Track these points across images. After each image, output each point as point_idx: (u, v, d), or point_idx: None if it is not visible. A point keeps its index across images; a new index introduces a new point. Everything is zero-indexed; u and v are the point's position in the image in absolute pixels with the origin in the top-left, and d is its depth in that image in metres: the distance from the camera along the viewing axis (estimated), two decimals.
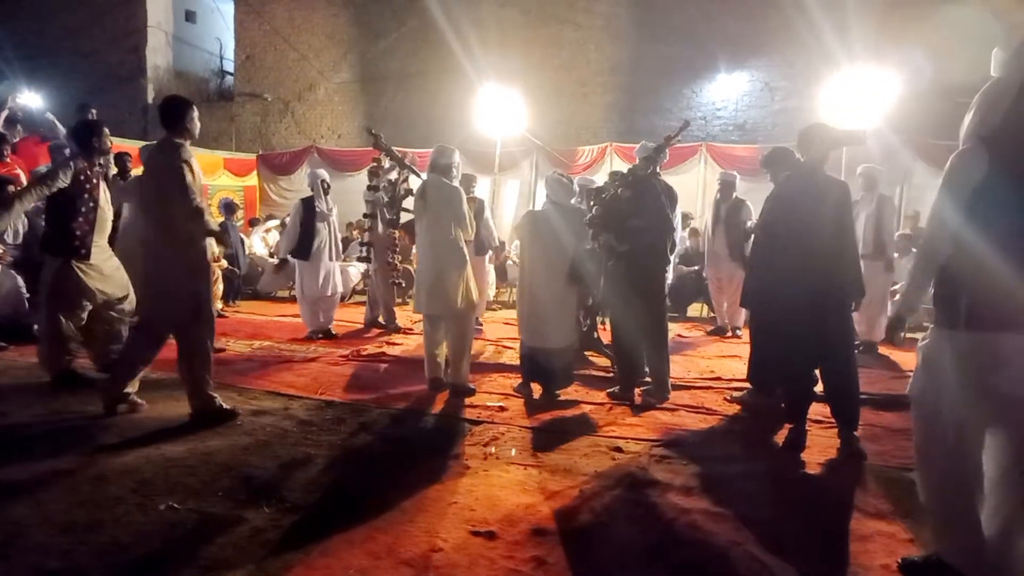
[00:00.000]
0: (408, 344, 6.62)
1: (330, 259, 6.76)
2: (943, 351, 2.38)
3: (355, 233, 10.74)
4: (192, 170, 3.87)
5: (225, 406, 4.14)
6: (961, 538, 2.35)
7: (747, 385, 4.87)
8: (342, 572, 2.38)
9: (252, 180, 12.46)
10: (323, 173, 6.92)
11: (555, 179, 4.95)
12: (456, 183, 4.96)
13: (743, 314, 7.52)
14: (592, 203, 5.03)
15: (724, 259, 7.28)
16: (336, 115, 14.67)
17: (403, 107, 13.63)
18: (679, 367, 5.25)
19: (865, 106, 7.38)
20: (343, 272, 10.00)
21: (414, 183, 6.28)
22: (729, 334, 7.57)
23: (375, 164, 6.74)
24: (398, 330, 7.20)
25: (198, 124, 4.06)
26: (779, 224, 4.48)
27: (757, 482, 3.34)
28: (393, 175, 6.79)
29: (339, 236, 7.02)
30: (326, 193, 6.70)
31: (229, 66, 16.77)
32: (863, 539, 2.75)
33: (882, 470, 3.51)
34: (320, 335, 6.73)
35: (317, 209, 6.62)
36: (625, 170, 5.02)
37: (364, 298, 8.22)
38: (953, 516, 2.38)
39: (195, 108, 4.06)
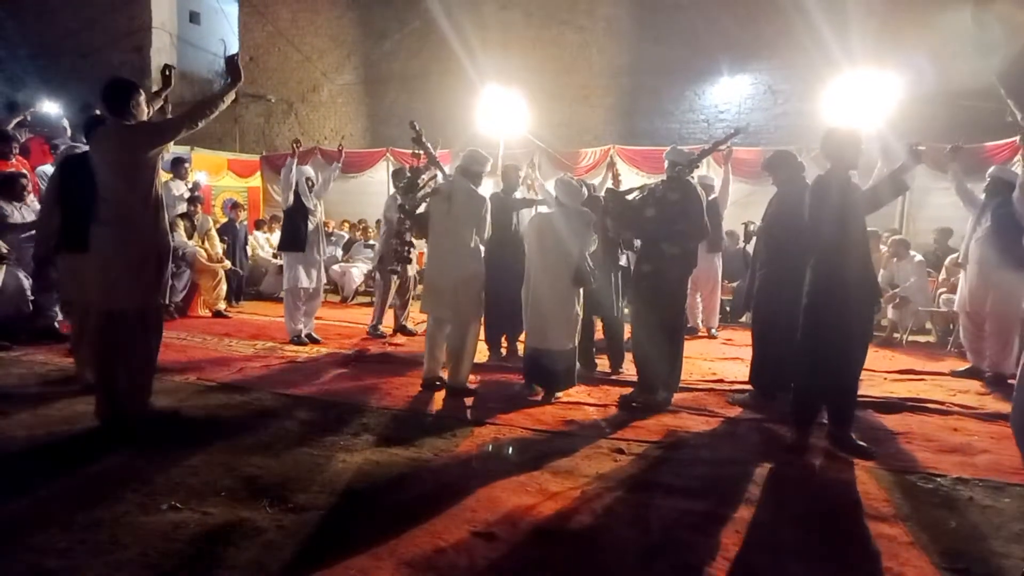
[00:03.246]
0: (412, 346, 6.63)
1: (316, 254, 6.74)
2: None
3: (359, 235, 10.76)
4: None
5: (162, 408, 3.98)
6: None
7: (749, 387, 4.87)
8: (343, 572, 2.39)
9: (256, 181, 12.47)
10: (308, 170, 6.84)
11: (564, 181, 4.96)
12: (481, 190, 4.98)
13: (717, 314, 7.76)
14: (611, 207, 4.98)
15: (702, 254, 7.26)
16: (340, 116, 14.69)
17: (406, 108, 13.64)
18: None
19: (867, 109, 7.37)
20: (345, 273, 10.05)
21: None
22: (703, 334, 7.67)
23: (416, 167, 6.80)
24: (381, 336, 7.10)
25: (144, 109, 3.88)
26: (782, 227, 4.50)
27: (758, 484, 3.34)
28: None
29: (324, 233, 7.04)
30: (310, 190, 6.65)
31: None
32: (864, 541, 2.75)
33: (883, 473, 3.51)
34: (305, 340, 6.65)
35: (304, 205, 6.59)
36: (666, 176, 4.96)
37: (369, 299, 8.22)
38: None
39: (142, 92, 3.88)
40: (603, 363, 5.71)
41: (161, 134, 3.83)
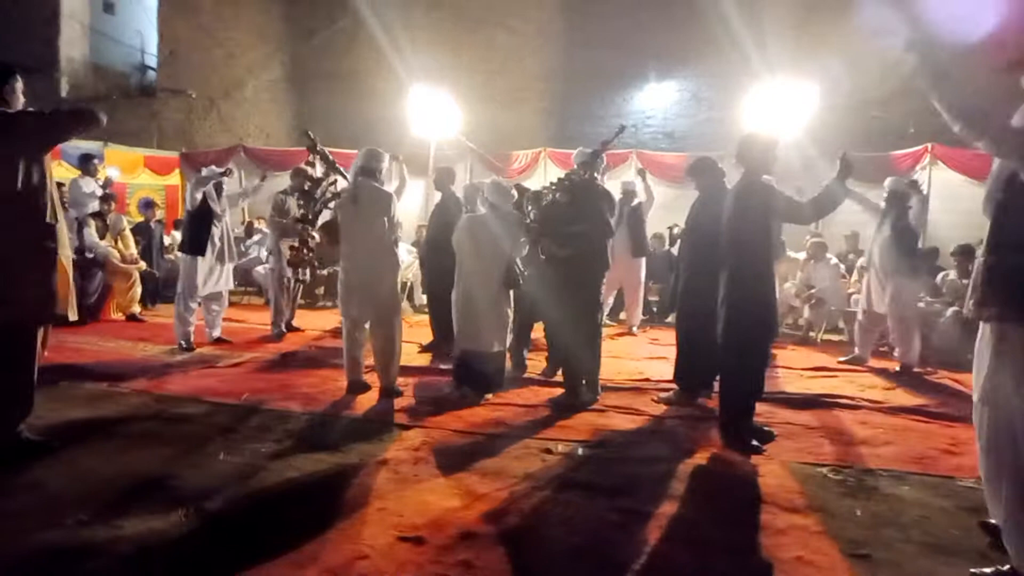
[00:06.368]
0: (338, 346, 6.50)
1: (222, 259, 6.50)
2: (1016, 346, 2.32)
3: None
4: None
5: (33, 438, 3.44)
6: None
7: (674, 386, 4.99)
8: None
9: (174, 179, 11.99)
10: (216, 171, 6.62)
11: (494, 184, 5.00)
12: (386, 186, 4.95)
13: (639, 312, 8.08)
14: (530, 208, 5.08)
15: (627, 258, 7.57)
16: (264, 113, 14.29)
17: (334, 107, 13.38)
18: (608, 369, 5.34)
19: (785, 117, 7.68)
20: (268, 274, 9.75)
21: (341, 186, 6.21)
22: (624, 330, 8.05)
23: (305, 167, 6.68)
24: (281, 336, 6.97)
25: (21, 98, 3.39)
26: (704, 230, 4.63)
27: (682, 481, 3.43)
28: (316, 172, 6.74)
29: (232, 237, 6.81)
30: (219, 193, 6.46)
31: (152, 60, 16.09)
32: (778, 532, 2.86)
33: (798, 466, 3.66)
34: (193, 345, 6.32)
35: (211, 209, 6.36)
36: (562, 176, 5.07)
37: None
38: None
39: (19, 79, 3.38)
40: (534, 365, 5.75)
41: (48, 130, 3.35)
